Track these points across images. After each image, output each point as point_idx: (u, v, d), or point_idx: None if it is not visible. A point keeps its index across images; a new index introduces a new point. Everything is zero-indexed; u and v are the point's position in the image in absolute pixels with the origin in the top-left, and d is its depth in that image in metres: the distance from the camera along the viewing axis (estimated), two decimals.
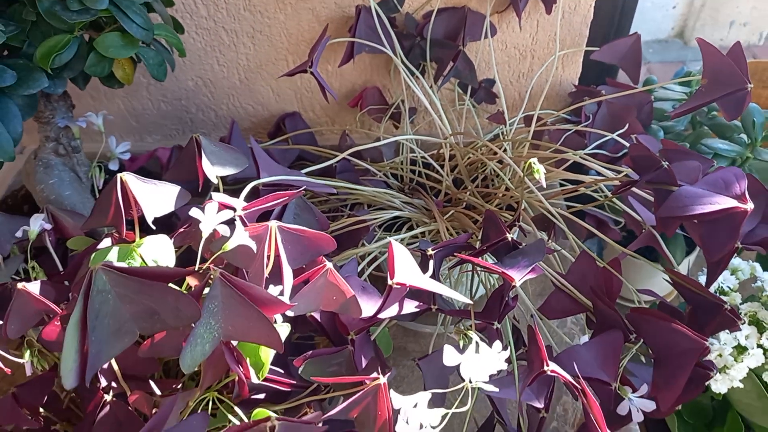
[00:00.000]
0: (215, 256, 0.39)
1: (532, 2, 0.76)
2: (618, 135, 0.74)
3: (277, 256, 0.41)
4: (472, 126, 0.79)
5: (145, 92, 0.84)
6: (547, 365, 0.43)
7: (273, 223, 0.41)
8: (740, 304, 0.71)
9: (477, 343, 0.43)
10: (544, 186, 0.49)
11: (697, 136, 0.84)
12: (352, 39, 0.69)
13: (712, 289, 0.72)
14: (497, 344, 0.44)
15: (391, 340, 0.57)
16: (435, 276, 0.50)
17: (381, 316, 0.45)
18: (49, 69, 0.50)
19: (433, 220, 0.64)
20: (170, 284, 0.35)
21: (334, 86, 0.84)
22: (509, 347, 0.52)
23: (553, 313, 0.55)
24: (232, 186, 0.59)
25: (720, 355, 0.67)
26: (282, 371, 0.45)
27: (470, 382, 0.42)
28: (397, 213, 0.63)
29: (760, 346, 0.67)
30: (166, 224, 0.47)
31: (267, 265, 0.41)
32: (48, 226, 0.49)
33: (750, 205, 0.48)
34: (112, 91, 0.85)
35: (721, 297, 0.56)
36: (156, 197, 0.43)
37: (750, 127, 0.78)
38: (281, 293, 0.39)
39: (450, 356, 0.42)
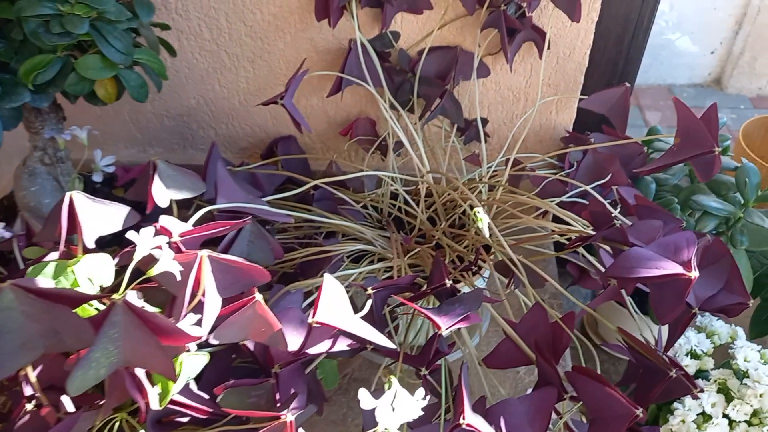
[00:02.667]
0: (140, 279, 0.40)
1: (526, 47, 0.77)
2: (601, 185, 0.74)
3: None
4: (455, 164, 0.80)
5: (149, 106, 0.88)
6: (464, 419, 0.43)
7: (203, 252, 0.42)
8: (711, 369, 0.69)
9: (396, 389, 0.43)
10: (487, 236, 0.49)
11: (691, 191, 0.82)
12: (335, 73, 0.70)
13: (684, 351, 0.70)
14: (420, 392, 0.44)
15: (338, 375, 0.57)
16: (375, 315, 0.51)
17: (311, 351, 0.46)
18: (31, 85, 0.53)
19: (399, 256, 0.64)
20: (88, 305, 0.37)
21: (329, 113, 0.86)
22: (443, 393, 0.52)
23: (498, 362, 0.55)
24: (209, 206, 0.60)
25: (683, 421, 0.65)
26: (207, 396, 0.46)
27: (385, 429, 0.43)
28: (360, 246, 0.64)
29: (726, 416, 0.64)
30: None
31: (199, 292, 0.42)
32: (7, 234, 0.52)
33: (694, 274, 0.47)
34: (119, 103, 0.88)
35: (677, 362, 0.54)
36: (102, 217, 0.45)
37: (742, 186, 0.76)
38: (199, 322, 0.40)
39: (366, 400, 0.43)
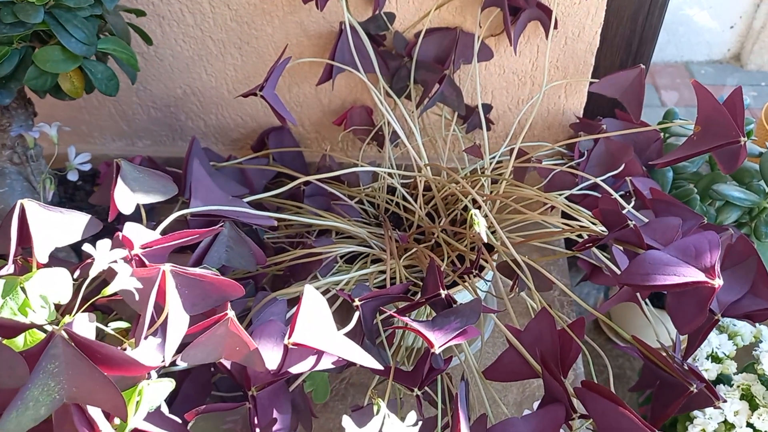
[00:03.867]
0: (95, 299, 0.36)
1: (532, 26, 0.71)
2: (614, 176, 0.68)
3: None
4: (457, 154, 0.75)
5: (135, 97, 0.83)
6: None
7: (166, 266, 0.38)
8: (734, 373, 0.64)
9: (384, 414, 0.39)
10: (485, 240, 0.44)
11: (711, 180, 0.76)
12: (324, 60, 0.65)
13: (705, 354, 0.65)
14: (411, 416, 0.40)
15: (329, 387, 0.53)
16: (365, 328, 0.47)
17: (292, 371, 0.42)
18: None
19: (393, 257, 0.60)
20: (40, 330, 0.33)
21: (323, 102, 0.81)
22: (443, 406, 0.48)
23: (500, 375, 0.50)
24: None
25: (703, 430, 0.60)
26: (180, 420, 0.42)
27: None
28: (353, 248, 0.60)
29: (750, 425, 0.60)
30: None
31: (164, 310, 0.38)
32: None
33: (718, 282, 0.42)
34: (103, 95, 0.84)
35: (697, 372, 0.50)
36: (58, 227, 0.41)
37: (767, 174, 0.70)
38: (161, 344, 0.36)
39: (350, 427, 0.39)
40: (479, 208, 0.58)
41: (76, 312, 0.36)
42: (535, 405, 0.50)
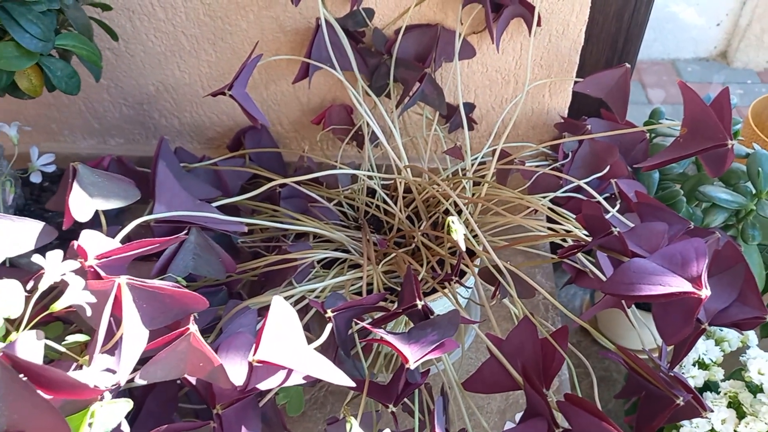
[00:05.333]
0: (45, 313, 0.34)
1: (516, 23, 0.69)
2: (599, 178, 0.66)
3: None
4: (439, 155, 0.72)
5: (105, 94, 0.80)
6: None
7: (122, 279, 0.35)
8: (721, 380, 0.62)
9: None
10: (463, 249, 0.42)
11: (697, 181, 0.75)
12: (299, 58, 0.63)
13: (691, 360, 0.64)
14: None
15: (303, 398, 0.51)
16: (338, 340, 0.44)
17: (260, 387, 0.40)
18: None
19: (371, 263, 0.57)
20: None
21: (301, 100, 0.78)
22: (421, 418, 0.46)
23: (481, 387, 0.48)
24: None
25: None
26: None
27: None
28: (329, 254, 0.57)
29: None
30: None
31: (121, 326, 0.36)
32: None
33: (705, 292, 0.40)
34: None
35: (684, 382, 0.48)
36: (8, 236, 0.38)
37: (755, 176, 0.69)
38: (119, 362, 0.34)
39: None
40: (460, 212, 0.56)
41: (26, 327, 0.34)
42: (518, 416, 0.49)
